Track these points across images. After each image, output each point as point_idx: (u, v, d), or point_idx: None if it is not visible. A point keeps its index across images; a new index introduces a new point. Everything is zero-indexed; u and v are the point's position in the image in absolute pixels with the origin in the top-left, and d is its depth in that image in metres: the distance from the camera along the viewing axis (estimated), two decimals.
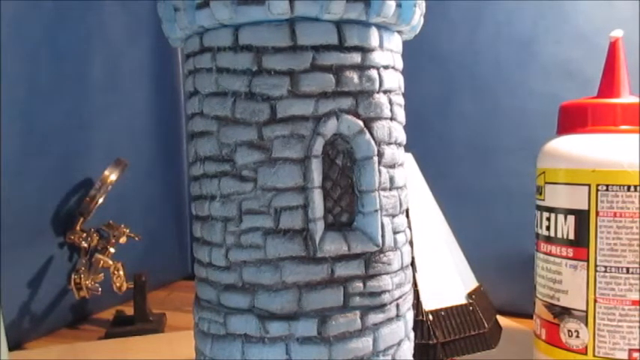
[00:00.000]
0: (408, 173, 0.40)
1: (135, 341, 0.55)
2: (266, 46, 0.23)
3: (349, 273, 0.24)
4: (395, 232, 0.25)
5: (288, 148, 0.23)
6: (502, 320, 0.45)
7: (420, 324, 0.36)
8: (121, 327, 0.59)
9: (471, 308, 0.39)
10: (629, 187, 0.40)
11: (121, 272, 0.61)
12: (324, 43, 0.23)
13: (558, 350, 0.43)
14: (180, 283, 0.82)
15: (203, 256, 0.25)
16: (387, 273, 0.25)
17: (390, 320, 0.25)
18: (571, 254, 0.43)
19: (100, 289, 0.59)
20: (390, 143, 0.25)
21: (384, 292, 0.25)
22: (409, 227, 0.38)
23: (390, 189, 0.25)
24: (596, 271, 0.41)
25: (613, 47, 0.45)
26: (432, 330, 0.36)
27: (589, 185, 0.41)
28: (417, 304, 0.37)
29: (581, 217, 0.42)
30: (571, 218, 0.42)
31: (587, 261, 0.42)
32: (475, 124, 0.73)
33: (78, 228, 0.61)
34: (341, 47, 0.23)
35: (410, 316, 0.27)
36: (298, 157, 0.23)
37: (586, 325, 0.42)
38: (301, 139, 0.23)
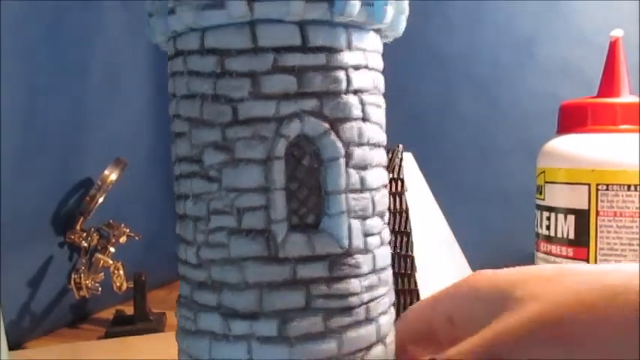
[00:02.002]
0: (408, 173, 0.40)
1: (135, 341, 0.55)
2: (229, 48, 0.23)
3: (313, 275, 0.23)
4: (366, 235, 0.25)
5: (250, 149, 0.23)
6: None
7: None
8: (121, 326, 0.59)
9: None
10: (629, 186, 0.41)
11: (121, 272, 0.61)
12: (286, 45, 0.23)
13: None
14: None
15: (180, 254, 0.26)
16: (356, 276, 0.24)
17: (358, 324, 0.24)
18: (571, 254, 0.43)
19: (99, 288, 0.59)
20: (360, 144, 0.24)
21: (351, 294, 0.24)
22: (409, 229, 0.38)
23: (361, 191, 0.25)
24: None
25: (613, 47, 0.45)
26: None
27: (589, 185, 0.41)
28: None
29: (581, 217, 0.42)
30: (571, 218, 0.42)
31: (587, 260, 0.42)
32: (475, 124, 0.73)
33: (78, 227, 0.61)
34: (304, 48, 0.23)
35: (385, 320, 0.26)
36: (260, 159, 0.23)
37: None
38: (263, 140, 0.23)
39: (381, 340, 0.26)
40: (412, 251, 0.38)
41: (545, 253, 0.45)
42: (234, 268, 0.23)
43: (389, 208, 0.33)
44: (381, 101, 0.26)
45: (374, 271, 0.25)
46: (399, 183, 0.40)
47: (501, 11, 0.71)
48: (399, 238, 0.38)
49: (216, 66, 0.23)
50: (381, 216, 0.26)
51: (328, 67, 0.24)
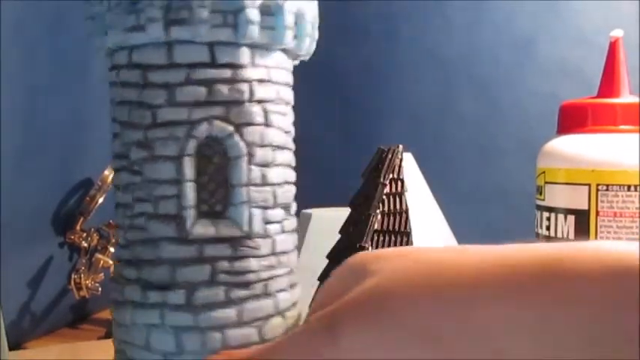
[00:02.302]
0: (408, 173, 0.41)
1: None
2: (150, 64, 0.28)
3: (217, 254, 0.28)
4: (267, 222, 0.29)
5: (166, 148, 0.28)
6: None
7: None
8: None
9: None
10: (629, 186, 0.41)
11: None
12: (198, 62, 0.28)
13: None
14: None
15: (117, 236, 0.31)
16: (255, 256, 0.29)
17: (256, 297, 0.29)
18: None
19: (99, 288, 0.59)
20: (263, 146, 0.29)
21: (249, 272, 0.29)
22: (409, 229, 0.38)
23: (262, 185, 0.29)
24: None
25: (613, 47, 0.45)
26: None
27: (589, 185, 0.41)
28: None
29: (581, 217, 0.42)
30: (571, 218, 0.42)
31: None
32: (475, 124, 0.73)
33: (78, 228, 0.61)
34: (213, 64, 0.28)
35: (284, 296, 0.30)
36: (174, 155, 0.28)
37: None
38: (177, 140, 0.28)
39: (280, 313, 0.30)
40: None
41: None
42: (151, 247, 0.28)
43: (389, 208, 0.35)
44: (286, 110, 0.31)
45: (273, 253, 0.30)
46: (399, 183, 0.40)
47: (501, 11, 0.71)
48: (399, 238, 0.38)
49: (141, 78, 0.28)
50: (285, 208, 0.31)
51: (233, 81, 0.28)
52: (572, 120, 0.45)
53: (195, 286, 0.28)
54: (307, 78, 0.81)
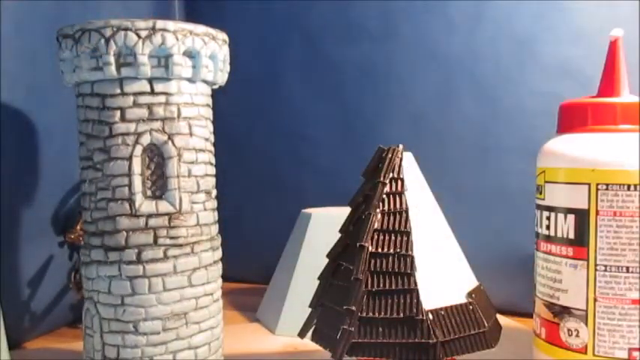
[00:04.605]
0: (408, 173, 0.40)
1: None
2: (106, 93, 0.39)
3: (158, 225, 0.39)
4: (192, 203, 0.40)
5: (120, 152, 0.38)
6: (502, 319, 0.45)
7: (420, 323, 0.37)
8: None
9: (470, 307, 0.39)
10: (629, 186, 0.41)
11: None
12: (141, 91, 0.38)
13: (558, 349, 0.43)
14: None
15: (83, 217, 0.42)
16: (184, 226, 0.40)
17: (186, 254, 0.40)
18: (571, 253, 0.43)
19: None
20: (188, 149, 0.40)
21: (181, 237, 0.39)
22: (409, 229, 0.38)
23: (189, 176, 0.40)
24: (596, 270, 0.41)
25: (613, 47, 0.45)
26: (432, 329, 0.36)
27: (589, 184, 0.41)
28: (416, 303, 0.37)
29: (581, 216, 0.42)
30: (571, 217, 0.42)
31: (587, 260, 0.42)
32: (475, 123, 0.73)
33: (78, 227, 0.61)
34: (152, 93, 0.39)
35: (205, 255, 0.41)
36: (126, 157, 0.38)
37: (586, 324, 0.42)
38: (127, 146, 0.38)
39: (204, 267, 0.41)
40: (412, 251, 0.38)
41: (545, 252, 0.45)
42: (111, 221, 0.39)
43: (389, 208, 0.35)
44: (205, 123, 0.41)
45: (198, 225, 0.40)
46: (399, 183, 0.40)
47: (501, 11, 0.71)
48: (399, 238, 0.38)
49: (100, 103, 0.39)
50: (206, 192, 0.41)
51: (167, 104, 0.39)
52: (572, 120, 0.45)
53: (142, 247, 0.39)
54: (307, 78, 0.81)
